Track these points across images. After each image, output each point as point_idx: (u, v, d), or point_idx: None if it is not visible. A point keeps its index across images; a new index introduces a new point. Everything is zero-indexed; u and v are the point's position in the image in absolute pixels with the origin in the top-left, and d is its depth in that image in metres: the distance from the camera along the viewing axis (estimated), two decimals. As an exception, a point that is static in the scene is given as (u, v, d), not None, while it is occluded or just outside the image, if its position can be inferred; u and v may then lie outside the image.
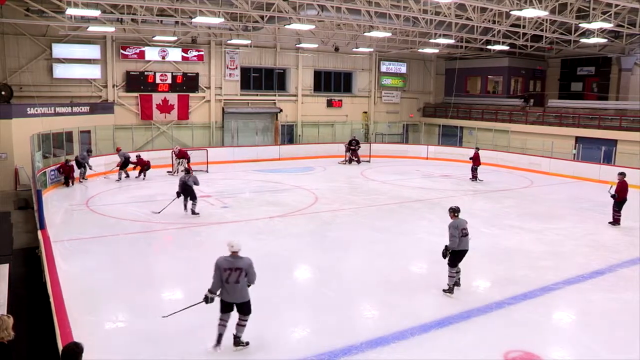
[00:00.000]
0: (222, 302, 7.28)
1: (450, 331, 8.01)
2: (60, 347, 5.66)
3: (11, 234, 13.11)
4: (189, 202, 15.10)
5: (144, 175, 21.09)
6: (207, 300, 7.26)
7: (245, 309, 7.30)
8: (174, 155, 22.12)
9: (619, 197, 14.75)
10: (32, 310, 8.34)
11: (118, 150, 21.13)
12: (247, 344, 7.38)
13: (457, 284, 9.51)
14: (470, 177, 22.22)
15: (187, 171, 16.66)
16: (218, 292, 7.26)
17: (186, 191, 14.96)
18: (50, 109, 21.39)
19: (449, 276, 9.39)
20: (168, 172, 22.22)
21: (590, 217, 16.03)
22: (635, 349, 7.64)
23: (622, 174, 14.99)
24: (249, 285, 7.33)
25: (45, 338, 6.73)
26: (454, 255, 9.26)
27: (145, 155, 22.33)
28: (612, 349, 7.69)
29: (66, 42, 23.21)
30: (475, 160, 22.14)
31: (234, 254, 7.21)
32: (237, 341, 7.35)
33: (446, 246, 9.30)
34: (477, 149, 23.03)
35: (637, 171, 20.23)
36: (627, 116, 25.21)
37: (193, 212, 15.01)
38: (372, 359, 7.12)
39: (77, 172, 19.88)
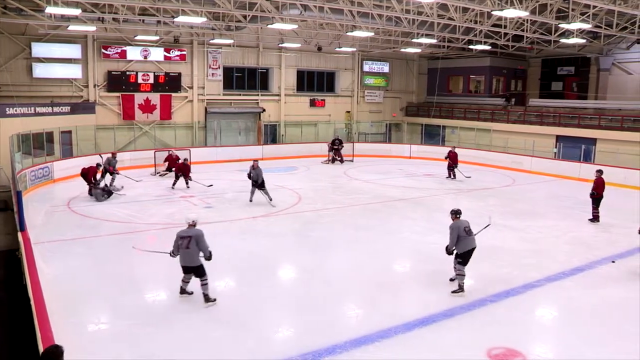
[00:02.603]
0: (181, 265, 8.73)
1: (434, 329, 8.08)
2: (41, 351, 5.59)
3: (-10, 236, 12.93)
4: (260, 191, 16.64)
5: (187, 183, 18.97)
6: (171, 255, 8.80)
7: (198, 272, 8.68)
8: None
9: (597, 194, 14.98)
10: (12, 313, 8.24)
11: (113, 155, 19.52)
12: (215, 300, 8.73)
13: (452, 279, 9.74)
14: (452, 177, 22.38)
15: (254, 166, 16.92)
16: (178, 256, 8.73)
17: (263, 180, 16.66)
18: (30, 109, 21.11)
19: (458, 275, 9.51)
20: (156, 173, 22.02)
21: (570, 214, 16.24)
22: (615, 344, 7.79)
23: (600, 172, 15.24)
24: (208, 259, 8.68)
25: (26, 341, 6.65)
26: (464, 254, 9.40)
27: (128, 155, 22.16)
28: (593, 344, 7.81)
29: (46, 41, 22.92)
30: (454, 159, 22.34)
31: (189, 226, 8.68)
32: (207, 298, 8.69)
33: (446, 247, 9.54)
34: (453, 147, 23.38)
35: (615, 169, 20.57)
36: (605, 115, 25.59)
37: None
38: (357, 358, 7.14)
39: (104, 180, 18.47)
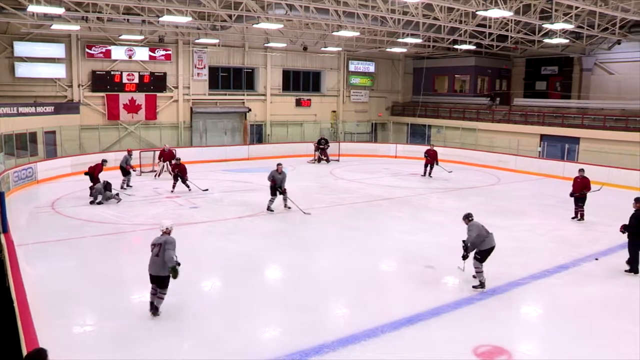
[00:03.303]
0: (148, 273, 8.19)
1: (421, 328, 8.11)
2: (25, 354, 5.52)
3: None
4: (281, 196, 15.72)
5: (188, 186, 18.38)
6: None
7: (159, 282, 8.11)
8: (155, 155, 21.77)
9: (583, 194, 15.12)
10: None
11: (129, 153, 19.40)
12: (159, 314, 8.15)
13: (475, 276, 9.82)
14: (429, 175, 22.72)
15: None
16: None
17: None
18: (13, 109, 20.82)
19: (478, 272, 9.62)
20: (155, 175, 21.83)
21: (555, 213, 16.39)
22: (599, 341, 7.89)
23: (582, 170, 15.42)
24: (172, 272, 7.91)
25: (9, 344, 6.56)
26: (484, 252, 9.56)
27: (112, 156, 21.93)
28: (578, 341, 7.90)
29: (29, 40, 22.65)
30: (434, 157, 22.59)
31: (163, 233, 8.24)
32: (152, 306, 8.16)
33: (466, 246, 9.69)
34: (432, 145, 23.78)
35: (598, 168, 20.78)
36: (588, 114, 25.90)
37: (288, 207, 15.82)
38: (344, 358, 7.15)
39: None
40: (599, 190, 15.58)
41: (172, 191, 18.23)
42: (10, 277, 8.11)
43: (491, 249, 9.61)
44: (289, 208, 15.76)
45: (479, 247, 9.57)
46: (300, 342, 7.49)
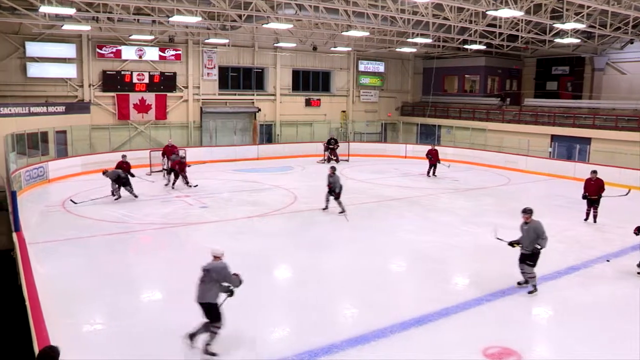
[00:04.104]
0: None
1: (430, 328, 8.08)
2: (37, 352, 5.57)
3: (-15, 236, 12.85)
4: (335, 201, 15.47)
5: (173, 184, 18.87)
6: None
7: (205, 310, 7.20)
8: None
9: (599, 196, 14.97)
10: (7, 314, 8.20)
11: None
12: (214, 354, 7.13)
13: (521, 283, 9.77)
14: (433, 174, 22.84)
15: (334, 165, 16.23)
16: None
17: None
18: (25, 109, 21.00)
19: (531, 277, 9.53)
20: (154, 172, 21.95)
21: (566, 213, 16.27)
22: (610, 343, 7.83)
23: (595, 172, 15.29)
24: (227, 292, 7.27)
25: (21, 342, 6.62)
26: (537, 256, 9.45)
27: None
28: (587, 342, 7.84)
29: (40, 40, 22.84)
30: (436, 156, 22.77)
31: (215, 258, 7.31)
32: (206, 349, 7.17)
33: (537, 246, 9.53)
34: (433, 145, 23.99)
35: (610, 169, 20.62)
36: (599, 115, 25.69)
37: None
38: (353, 358, 7.15)
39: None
40: (626, 194, 15.62)
41: (172, 187, 18.72)
42: (22, 275, 8.19)
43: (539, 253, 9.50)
44: (343, 212, 15.26)
45: (536, 249, 9.43)
46: (309, 341, 7.50)
